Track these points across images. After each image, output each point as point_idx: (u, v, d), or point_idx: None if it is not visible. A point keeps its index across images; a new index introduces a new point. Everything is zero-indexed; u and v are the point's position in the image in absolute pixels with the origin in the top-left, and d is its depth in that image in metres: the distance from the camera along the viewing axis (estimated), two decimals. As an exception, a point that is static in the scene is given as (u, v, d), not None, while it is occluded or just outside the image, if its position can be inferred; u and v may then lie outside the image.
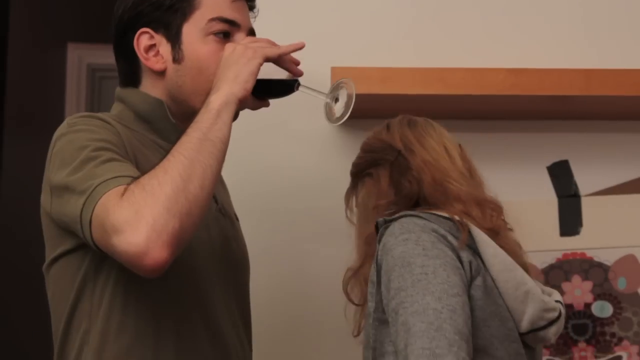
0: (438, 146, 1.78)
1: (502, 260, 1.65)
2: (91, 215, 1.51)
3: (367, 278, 1.70)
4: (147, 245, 1.46)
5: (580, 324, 2.29)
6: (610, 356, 2.28)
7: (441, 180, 1.73)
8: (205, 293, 1.72)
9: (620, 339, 2.28)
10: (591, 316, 2.29)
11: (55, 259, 1.68)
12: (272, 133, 2.29)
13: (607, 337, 2.28)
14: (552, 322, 1.68)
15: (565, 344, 2.27)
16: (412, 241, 1.59)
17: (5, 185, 4.13)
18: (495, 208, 1.74)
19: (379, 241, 1.64)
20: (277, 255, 2.28)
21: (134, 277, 1.53)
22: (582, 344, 2.28)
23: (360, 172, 1.81)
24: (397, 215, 1.66)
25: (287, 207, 2.30)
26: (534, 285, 1.67)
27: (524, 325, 1.64)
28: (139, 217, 1.46)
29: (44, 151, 1.71)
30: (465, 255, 1.61)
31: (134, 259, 1.47)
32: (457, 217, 1.65)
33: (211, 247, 1.74)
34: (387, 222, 1.66)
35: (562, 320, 1.71)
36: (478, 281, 1.61)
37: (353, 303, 1.78)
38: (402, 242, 1.59)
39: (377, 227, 1.68)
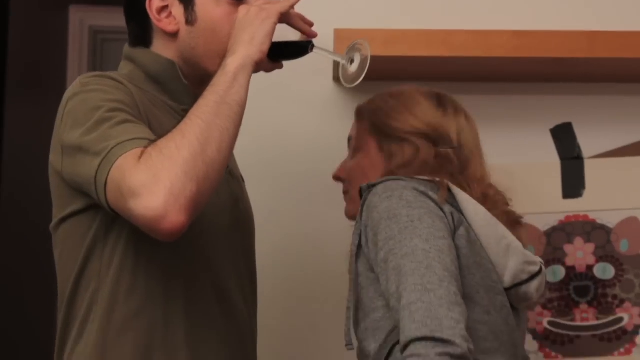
0: (477, 144, 1.79)
1: (484, 216, 1.68)
2: (107, 178, 1.51)
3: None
4: (165, 209, 1.46)
5: (582, 286, 2.30)
6: (612, 318, 2.29)
7: (478, 183, 1.75)
8: (214, 254, 1.73)
9: (622, 301, 2.29)
10: (593, 278, 2.30)
11: (65, 219, 1.68)
12: (274, 94, 2.29)
13: (609, 299, 2.29)
14: (533, 276, 1.71)
15: (567, 305, 2.28)
16: (396, 197, 1.62)
17: (8, 146, 4.13)
18: (514, 222, 1.77)
19: (363, 204, 1.66)
20: (281, 218, 2.28)
21: (144, 238, 1.53)
22: (583, 306, 2.29)
23: (399, 132, 1.78)
24: (379, 180, 1.67)
25: (291, 169, 2.30)
26: (514, 240, 1.70)
27: (507, 279, 1.68)
28: (157, 181, 1.46)
29: (47, 113, 1.71)
30: (447, 208, 1.64)
31: (151, 223, 1.47)
32: (437, 179, 1.68)
33: (221, 208, 1.75)
34: (370, 187, 1.67)
35: (544, 277, 1.74)
36: (461, 231, 1.64)
37: None
38: (386, 199, 1.62)
39: (360, 193, 1.70)
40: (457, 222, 1.65)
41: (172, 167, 1.47)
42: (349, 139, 1.89)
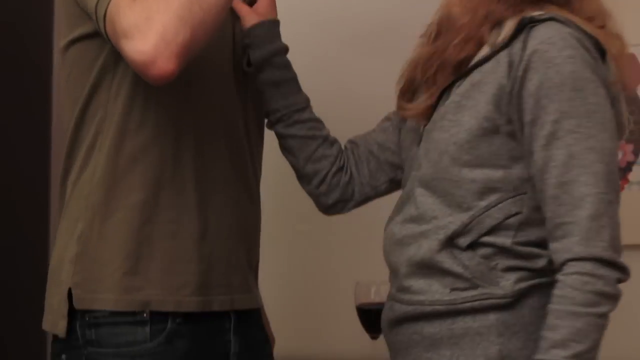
0: None
1: None
2: (105, 11, 1.48)
3: (453, 64, 1.55)
4: (155, 55, 1.43)
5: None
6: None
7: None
8: (224, 93, 1.71)
9: (616, 137, 2.30)
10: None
11: (74, 41, 1.65)
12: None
13: (603, 135, 2.30)
14: None
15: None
16: (579, 59, 1.45)
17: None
18: None
19: (525, 43, 1.48)
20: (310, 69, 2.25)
21: None
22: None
23: None
24: (544, 16, 1.49)
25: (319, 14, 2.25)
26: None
27: None
28: (149, 24, 1.43)
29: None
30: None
31: (140, 66, 1.46)
32: (599, 40, 1.51)
33: (233, 46, 1.72)
34: (533, 22, 1.49)
35: None
36: None
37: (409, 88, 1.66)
38: (569, 60, 1.45)
39: (519, 26, 1.50)
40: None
41: (167, 10, 1.43)
42: None
